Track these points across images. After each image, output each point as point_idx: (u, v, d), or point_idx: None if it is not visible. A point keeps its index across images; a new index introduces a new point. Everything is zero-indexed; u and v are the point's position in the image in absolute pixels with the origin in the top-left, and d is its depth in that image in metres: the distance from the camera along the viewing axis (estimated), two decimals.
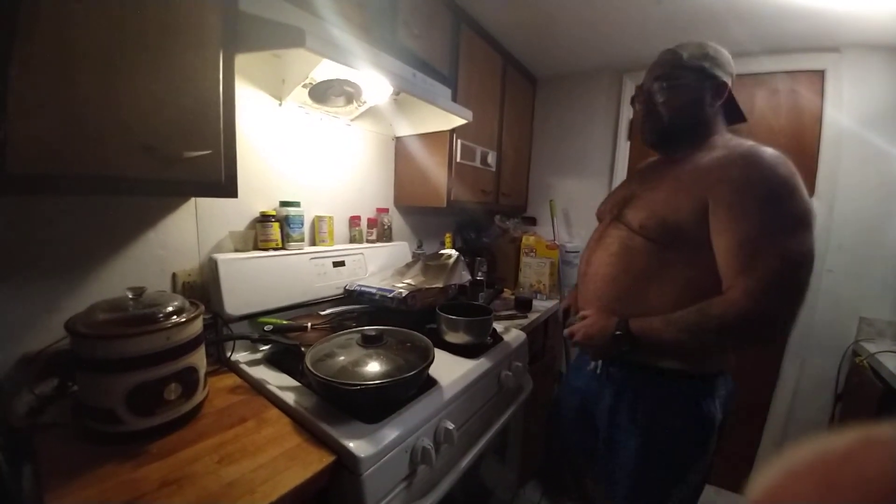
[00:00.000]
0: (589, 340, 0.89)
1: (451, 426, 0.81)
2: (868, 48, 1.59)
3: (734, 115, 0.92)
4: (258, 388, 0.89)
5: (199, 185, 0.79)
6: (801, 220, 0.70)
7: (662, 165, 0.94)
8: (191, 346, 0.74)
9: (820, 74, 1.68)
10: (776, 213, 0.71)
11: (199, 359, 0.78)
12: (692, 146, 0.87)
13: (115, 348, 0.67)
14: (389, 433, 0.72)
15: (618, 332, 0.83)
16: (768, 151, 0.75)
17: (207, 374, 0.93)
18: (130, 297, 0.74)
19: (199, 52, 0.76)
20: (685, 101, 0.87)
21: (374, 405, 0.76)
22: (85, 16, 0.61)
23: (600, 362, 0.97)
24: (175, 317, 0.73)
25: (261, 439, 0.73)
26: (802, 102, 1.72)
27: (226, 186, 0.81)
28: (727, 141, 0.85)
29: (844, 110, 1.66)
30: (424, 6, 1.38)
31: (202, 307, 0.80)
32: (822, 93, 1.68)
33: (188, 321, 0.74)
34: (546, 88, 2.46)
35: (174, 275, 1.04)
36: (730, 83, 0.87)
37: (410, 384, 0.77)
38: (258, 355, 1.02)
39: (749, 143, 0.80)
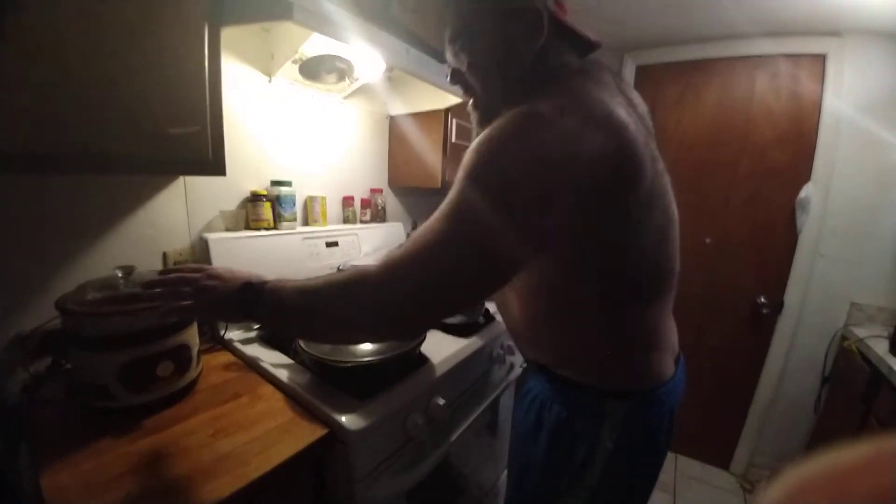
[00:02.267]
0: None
1: (441, 402, 0.83)
2: (870, 34, 1.56)
3: (579, 45, 0.65)
4: (252, 365, 0.91)
5: (186, 163, 0.78)
6: (472, 194, 0.50)
7: None
8: (182, 323, 0.75)
9: (821, 59, 1.65)
10: (457, 194, 0.52)
11: (192, 336, 0.78)
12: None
13: (108, 326, 0.68)
14: (381, 407, 0.74)
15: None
16: (516, 111, 0.52)
17: (201, 351, 0.94)
18: (120, 275, 0.74)
19: (183, 25, 0.74)
20: (491, 59, 0.63)
21: (365, 381, 0.77)
22: None
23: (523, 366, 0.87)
24: None
25: (254, 414, 0.74)
26: (802, 87, 1.70)
27: (213, 164, 0.80)
28: (545, 95, 0.56)
29: (844, 96, 1.64)
30: None
31: None
32: (822, 78, 1.66)
33: None
34: None
35: (164, 254, 1.04)
36: (548, 7, 0.60)
37: (401, 361, 0.78)
38: (252, 334, 1.03)
39: (552, 92, 0.55)
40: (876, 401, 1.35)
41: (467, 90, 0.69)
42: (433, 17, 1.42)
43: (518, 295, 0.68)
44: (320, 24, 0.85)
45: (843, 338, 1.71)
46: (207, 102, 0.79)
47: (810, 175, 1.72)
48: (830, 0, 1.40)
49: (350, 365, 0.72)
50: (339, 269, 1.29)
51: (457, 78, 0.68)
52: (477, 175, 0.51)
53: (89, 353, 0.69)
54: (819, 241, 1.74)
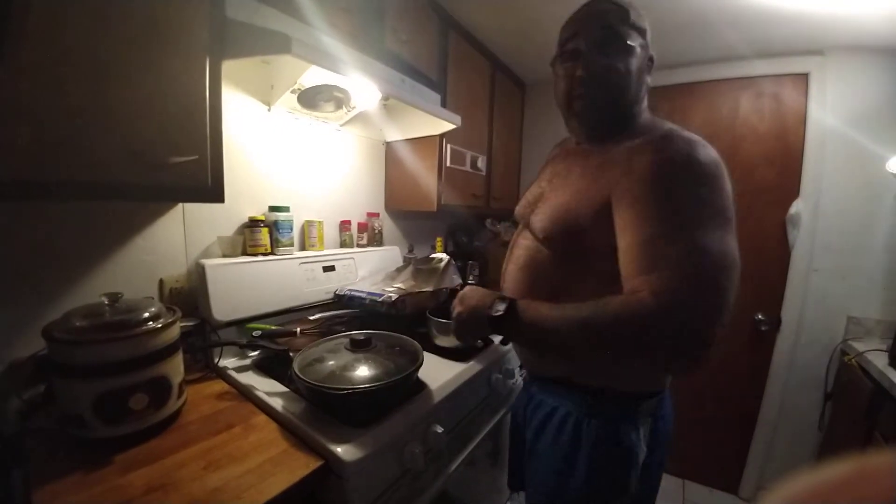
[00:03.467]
0: (460, 320, 0.75)
1: (439, 430, 0.81)
2: (851, 50, 1.62)
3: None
4: (246, 393, 0.89)
5: (185, 190, 0.79)
6: (717, 214, 0.57)
7: (573, 155, 0.79)
8: (162, 354, 0.74)
9: (804, 77, 1.71)
10: (685, 204, 0.58)
11: (173, 368, 0.77)
12: (615, 132, 0.72)
13: (81, 355, 0.67)
14: (377, 437, 0.72)
15: (494, 312, 0.67)
16: (684, 135, 0.62)
17: (194, 381, 0.93)
18: (106, 303, 0.73)
19: (185, 58, 0.76)
20: (635, 76, 0.69)
21: (362, 409, 0.76)
22: (74, 22, 0.61)
23: (522, 375, 0.89)
24: (151, 323, 0.73)
25: (248, 445, 0.72)
26: (787, 104, 1.75)
27: (212, 191, 0.81)
28: (646, 124, 0.71)
29: (829, 111, 1.69)
30: (412, 12, 1.39)
31: (179, 314, 0.79)
32: (806, 95, 1.71)
33: (160, 329, 0.73)
34: (535, 93, 2.48)
35: (161, 280, 1.03)
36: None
37: (398, 388, 0.77)
38: (247, 361, 1.02)
39: (667, 126, 0.67)
40: (879, 416, 1.33)
41: (574, 83, 0.72)
42: (425, 47, 1.48)
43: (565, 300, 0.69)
44: (318, 56, 0.88)
45: (844, 352, 1.70)
46: (208, 131, 0.80)
47: (799, 191, 1.75)
48: (813, 19, 1.45)
49: (345, 392, 0.71)
50: (335, 293, 1.29)
51: (571, 68, 0.73)
52: (702, 193, 0.58)
53: (67, 382, 0.68)
54: (812, 256, 1.75)
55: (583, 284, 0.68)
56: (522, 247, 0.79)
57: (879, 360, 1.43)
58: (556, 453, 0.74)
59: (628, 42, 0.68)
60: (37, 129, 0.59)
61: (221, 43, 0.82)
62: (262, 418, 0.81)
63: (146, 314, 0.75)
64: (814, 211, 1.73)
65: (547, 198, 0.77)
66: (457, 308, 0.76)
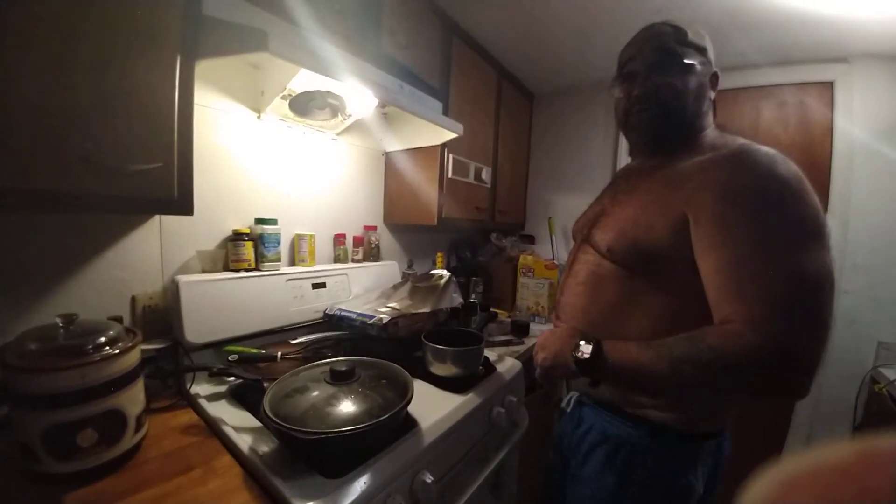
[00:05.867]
0: (545, 366, 0.74)
1: (429, 479, 0.70)
2: (878, 57, 1.53)
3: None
4: (214, 428, 0.79)
5: (147, 202, 0.71)
6: (810, 231, 0.54)
7: (636, 173, 0.78)
8: (118, 384, 0.65)
9: (829, 86, 1.61)
10: (776, 223, 0.55)
11: (130, 398, 0.68)
12: (679, 147, 0.71)
13: (28, 383, 0.59)
14: (354, 490, 0.62)
15: (580, 355, 0.65)
16: (762, 149, 0.60)
17: (162, 409, 0.84)
18: (60, 324, 0.65)
19: (152, 55, 0.69)
20: (694, 92, 0.69)
21: (338, 455, 0.66)
22: (17, 11, 0.54)
23: (572, 397, 0.84)
24: (107, 348, 0.64)
25: (205, 494, 0.62)
26: (812, 115, 1.65)
27: (179, 203, 0.73)
28: (714, 140, 0.70)
29: (856, 122, 1.59)
30: (411, 15, 1.33)
31: (139, 337, 0.70)
32: (832, 104, 1.62)
33: (116, 355, 0.65)
34: (544, 103, 2.41)
35: (133, 298, 0.95)
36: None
37: (381, 431, 0.67)
38: (222, 388, 0.92)
39: (739, 140, 0.65)
40: None
41: (633, 102, 0.73)
42: (426, 52, 1.41)
43: (649, 322, 0.67)
44: (301, 56, 0.81)
45: (874, 380, 1.56)
46: (176, 137, 0.73)
47: (827, 207, 1.63)
48: (836, 26, 1.38)
49: (317, 438, 0.61)
50: (325, 312, 1.20)
51: (630, 88, 0.74)
52: (790, 209, 0.55)
53: (18, 410, 0.61)
54: (841, 276, 1.63)
55: (650, 298, 0.67)
56: (582, 261, 0.78)
57: None
58: (604, 483, 0.73)
59: (685, 61, 0.68)
60: None
61: (195, 40, 0.75)
62: (226, 460, 0.71)
63: (102, 338, 0.66)
64: (843, 229, 1.62)
65: (610, 213, 0.76)
66: (539, 354, 0.76)
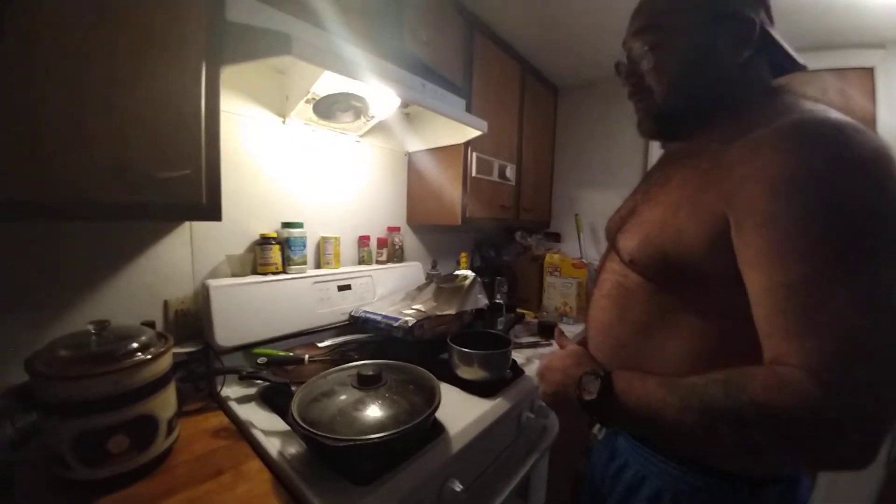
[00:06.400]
0: (547, 402, 0.65)
1: (458, 488, 0.68)
2: None
3: (783, 63, 0.59)
4: (243, 431, 0.80)
5: (175, 209, 0.72)
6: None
7: (672, 160, 0.64)
8: (149, 389, 0.66)
9: (869, 72, 1.51)
10: (850, 229, 0.40)
11: (161, 403, 0.68)
12: (712, 126, 0.56)
13: (59, 390, 0.60)
14: (381, 499, 0.60)
15: (584, 395, 0.54)
16: (829, 119, 0.44)
17: (194, 412, 0.86)
18: (93, 331, 0.67)
19: (178, 64, 0.70)
20: (686, 63, 0.57)
21: (365, 462, 0.65)
22: (52, 21, 0.56)
23: (601, 426, 0.72)
24: (138, 354, 0.65)
25: (233, 499, 0.62)
26: (853, 103, 1.55)
27: (207, 209, 0.74)
28: (767, 108, 0.52)
29: None
30: (433, 12, 1.30)
31: (170, 342, 0.71)
32: (873, 93, 1.52)
33: (148, 361, 0.65)
34: (569, 97, 2.34)
35: (166, 303, 0.98)
36: (760, 17, 0.55)
37: (409, 437, 0.65)
38: (252, 390, 0.93)
39: (805, 106, 0.49)
40: None
41: (637, 92, 0.64)
42: (448, 49, 1.38)
43: (685, 347, 0.54)
44: (324, 58, 0.80)
45: None
46: (203, 144, 0.73)
47: None
48: (873, 10, 1.31)
49: (344, 445, 0.60)
50: (350, 314, 1.20)
51: (629, 77, 0.64)
52: (870, 207, 0.41)
53: (48, 418, 0.62)
54: None
55: (685, 319, 0.53)
56: (609, 270, 0.66)
57: None
58: None
59: (671, 33, 0.58)
60: (7, 142, 0.53)
61: (220, 47, 0.75)
62: (255, 464, 0.71)
63: (134, 344, 0.67)
64: None
65: (639, 212, 0.62)
66: (540, 386, 0.66)
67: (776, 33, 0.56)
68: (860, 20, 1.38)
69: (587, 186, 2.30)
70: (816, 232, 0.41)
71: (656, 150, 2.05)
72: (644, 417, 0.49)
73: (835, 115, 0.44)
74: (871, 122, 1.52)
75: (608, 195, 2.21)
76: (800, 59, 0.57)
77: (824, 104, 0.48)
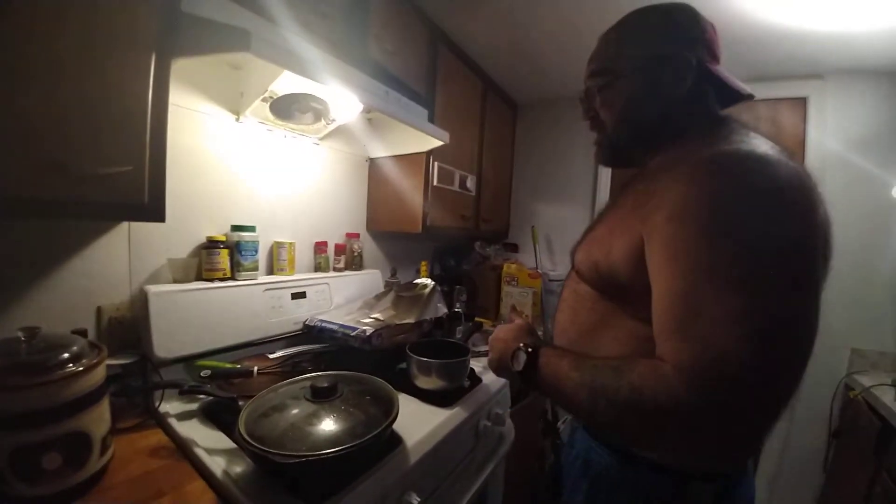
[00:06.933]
0: (491, 367, 0.75)
1: (415, 501, 0.67)
2: (852, 73, 1.60)
3: (730, 94, 0.64)
4: (185, 450, 0.74)
5: (114, 207, 0.66)
6: (785, 260, 0.44)
7: (626, 185, 0.69)
8: (82, 403, 0.60)
9: (802, 102, 1.68)
10: (736, 249, 0.44)
11: (95, 419, 0.62)
12: (660, 153, 0.63)
13: None
14: None
15: (515, 365, 0.62)
16: (745, 152, 0.48)
17: (128, 429, 0.78)
18: (22, 338, 0.60)
19: (123, 53, 0.65)
20: (630, 99, 0.64)
21: (320, 479, 0.62)
22: None
23: (566, 418, 0.81)
24: (70, 365, 0.59)
25: None
26: (785, 129, 1.72)
27: (149, 209, 0.69)
28: (709, 137, 0.56)
29: (829, 136, 1.65)
30: (397, 20, 1.31)
31: (104, 353, 0.65)
32: (804, 120, 1.68)
33: (80, 373, 0.59)
34: (527, 114, 2.43)
35: (99, 309, 0.89)
36: (698, 55, 0.60)
37: (366, 451, 0.64)
38: (193, 406, 0.87)
39: (739, 136, 0.53)
40: (887, 454, 1.24)
41: (595, 125, 0.72)
42: (413, 60, 1.39)
43: (619, 349, 0.60)
44: (285, 58, 0.78)
45: (848, 387, 1.63)
46: (148, 139, 0.68)
47: None
48: (811, 43, 1.42)
49: (296, 461, 0.57)
50: (305, 324, 1.16)
51: (587, 112, 0.72)
52: (756, 230, 0.45)
53: None
54: None
55: (621, 323, 0.60)
56: (570, 278, 0.75)
57: (887, 396, 1.37)
58: None
59: (615, 74, 0.65)
60: None
61: (172, 38, 0.71)
62: (198, 485, 0.66)
63: (65, 354, 0.61)
64: None
65: (593, 229, 0.70)
66: (489, 353, 0.76)
67: (720, 68, 0.62)
68: (801, 49, 1.48)
69: (543, 200, 2.39)
70: (704, 248, 0.46)
71: (605, 172, 2.18)
72: (554, 389, 0.57)
73: (761, 147, 0.49)
74: (801, 146, 1.67)
75: (562, 209, 2.31)
76: (745, 89, 0.63)
77: (761, 133, 0.55)
